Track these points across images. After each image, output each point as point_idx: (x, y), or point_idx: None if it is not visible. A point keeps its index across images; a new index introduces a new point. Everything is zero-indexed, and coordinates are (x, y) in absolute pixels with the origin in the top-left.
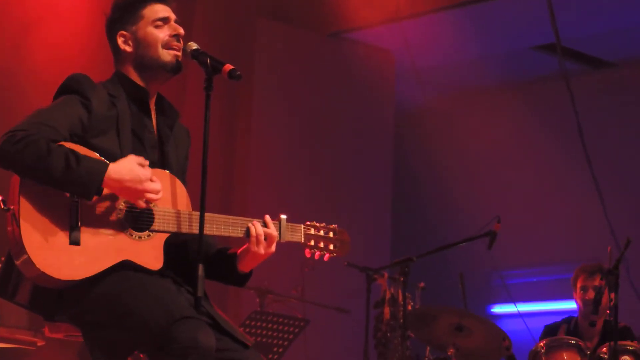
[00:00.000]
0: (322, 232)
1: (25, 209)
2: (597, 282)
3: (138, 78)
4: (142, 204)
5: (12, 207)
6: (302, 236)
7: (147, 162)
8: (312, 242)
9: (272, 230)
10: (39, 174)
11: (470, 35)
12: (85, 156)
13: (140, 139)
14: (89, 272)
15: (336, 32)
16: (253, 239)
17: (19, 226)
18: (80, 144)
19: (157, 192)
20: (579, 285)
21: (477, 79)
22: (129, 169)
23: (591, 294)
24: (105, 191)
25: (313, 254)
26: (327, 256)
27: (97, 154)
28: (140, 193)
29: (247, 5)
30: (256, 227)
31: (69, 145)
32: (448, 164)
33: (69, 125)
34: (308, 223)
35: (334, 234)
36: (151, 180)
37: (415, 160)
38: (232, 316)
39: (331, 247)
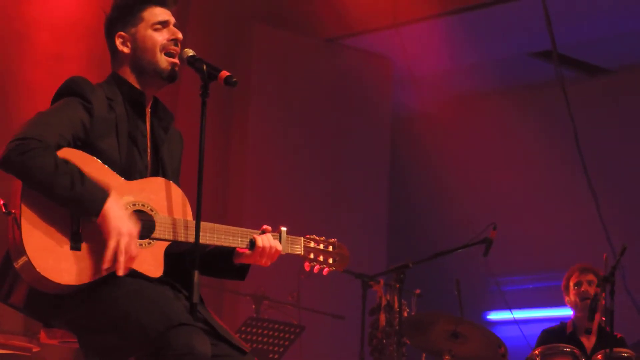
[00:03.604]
0: (321, 246)
1: (27, 213)
2: (590, 277)
3: (135, 81)
4: (112, 244)
5: (13, 211)
6: (302, 249)
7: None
8: (312, 255)
9: (279, 245)
10: (43, 189)
11: (467, 42)
12: (90, 180)
13: (135, 143)
14: (89, 278)
15: (333, 38)
16: (259, 250)
17: (20, 230)
18: (83, 148)
19: (131, 257)
20: (572, 282)
21: (474, 85)
22: (122, 215)
23: (586, 287)
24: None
25: (312, 267)
26: (326, 270)
27: (101, 162)
28: (120, 236)
29: (243, 10)
30: (263, 240)
31: (73, 153)
32: (444, 170)
33: (72, 129)
34: (308, 236)
35: (333, 248)
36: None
37: (412, 166)
38: (228, 322)
39: (330, 260)
